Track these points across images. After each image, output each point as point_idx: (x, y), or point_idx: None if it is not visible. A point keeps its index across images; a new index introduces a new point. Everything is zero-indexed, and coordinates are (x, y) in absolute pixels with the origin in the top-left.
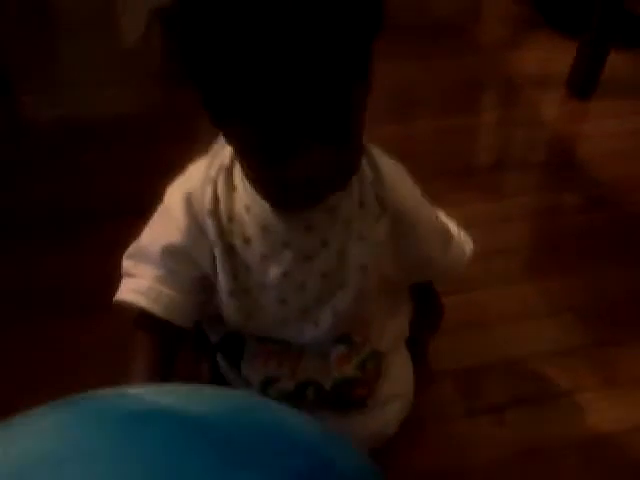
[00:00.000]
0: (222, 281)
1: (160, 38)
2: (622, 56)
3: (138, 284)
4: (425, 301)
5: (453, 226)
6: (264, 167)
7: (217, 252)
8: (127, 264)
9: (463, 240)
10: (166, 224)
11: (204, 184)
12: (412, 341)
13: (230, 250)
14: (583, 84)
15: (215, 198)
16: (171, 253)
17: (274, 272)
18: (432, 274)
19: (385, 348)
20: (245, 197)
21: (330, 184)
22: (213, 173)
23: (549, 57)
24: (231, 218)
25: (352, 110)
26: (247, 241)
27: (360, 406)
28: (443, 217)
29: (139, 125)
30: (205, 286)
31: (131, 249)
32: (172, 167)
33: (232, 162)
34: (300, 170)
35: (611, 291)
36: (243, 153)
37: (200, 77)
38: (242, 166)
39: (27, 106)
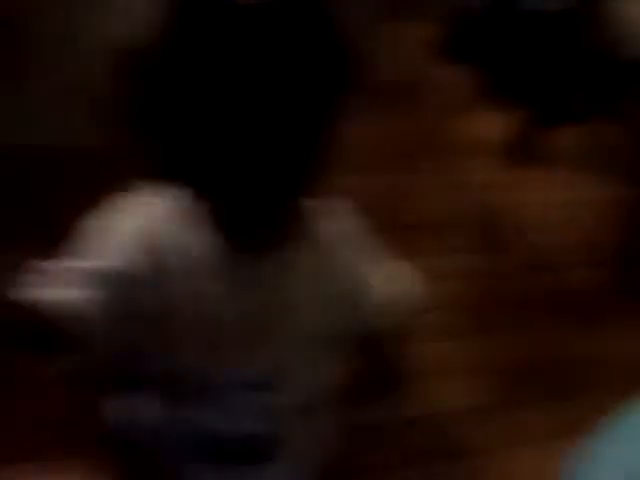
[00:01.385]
0: (178, 323)
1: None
2: (560, 130)
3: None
4: (379, 362)
5: (395, 265)
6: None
7: (154, 287)
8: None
9: (405, 280)
10: (109, 256)
11: (155, 219)
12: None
13: (165, 284)
14: (522, 154)
15: (149, 233)
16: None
17: (213, 297)
18: (374, 323)
19: (307, 401)
20: (181, 232)
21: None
22: (164, 209)
23: (492, 126)
24: (168, 253)
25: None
26: (183, 276)
27: (269, 461)
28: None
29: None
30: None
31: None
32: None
33: (172, 198)
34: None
35: (526, 354)
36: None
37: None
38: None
39: None
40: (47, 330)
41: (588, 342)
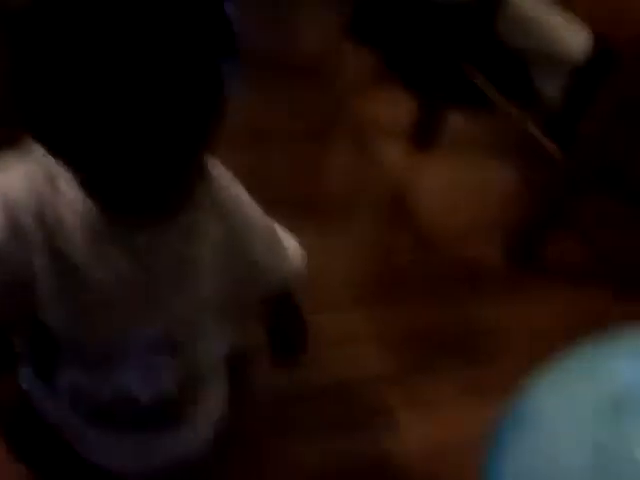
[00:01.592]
0: (46, 285)
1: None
2: (459, 114)
3: None
4: (281, 318)
5: (286, 235)
6: (118, 188)
7: (40, 256)
8: None
9: (296, 250)
10: None
11: (24, 185)
12: (234, 361)
13: (56, 253)
14: (422, 137)
15: (39, 200)
16: None
17: (102, 273)
18: (265, 282)
19: (207, 366)
20: (70, 198)
21: (184, 195)
22: (38, 176)
23: (397, 108)
24: (56, 220)
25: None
26: (74, 243)
27: (173, 425)
28: (278, 229)
29: None
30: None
31: None
32: None
33: (56, 163)
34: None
35: (424, 324)
36: (90, 175)
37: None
38: (81, 182)
39: None
40: None
41: (487, 312)
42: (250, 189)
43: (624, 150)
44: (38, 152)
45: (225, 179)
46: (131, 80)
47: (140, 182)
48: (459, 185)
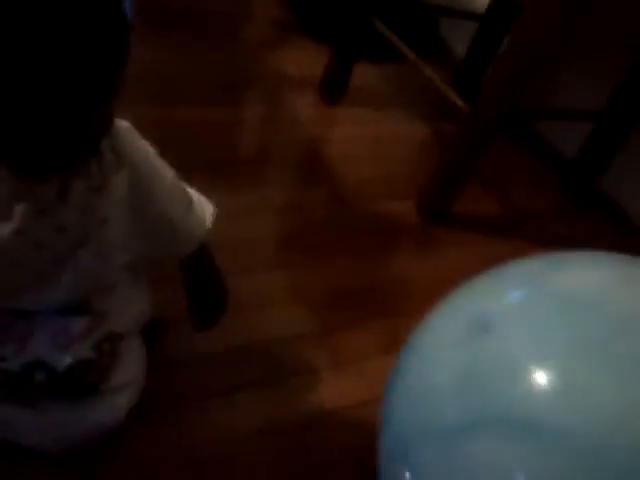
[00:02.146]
0: None
1: None
2: (367, 67)
3: None
4: (197, 277)
5: (193, 192)
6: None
7: None
8: None
9: (204, 205)
10: None
11: None
12: (150, 325)
13: None
14: (332, 91)
15: None
16: None
17: (5, 231)
18: (174, 238)
19: (123, 330)
20: None
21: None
22: None
23: (307, 62)
24: None
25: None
26: None
27: (91, 393)
28: (183, 184)
29: None
30: None
31: None
32: None
33: None
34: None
35: (342, 281)
36: None
37: None
38: None
39: None
40: None
41: (403, 266)
42: (157, 144)
43: (529, 99)
44: None
45: (130, 132)
46: (34, 23)
47: (46, 128)
48: (370, 138)
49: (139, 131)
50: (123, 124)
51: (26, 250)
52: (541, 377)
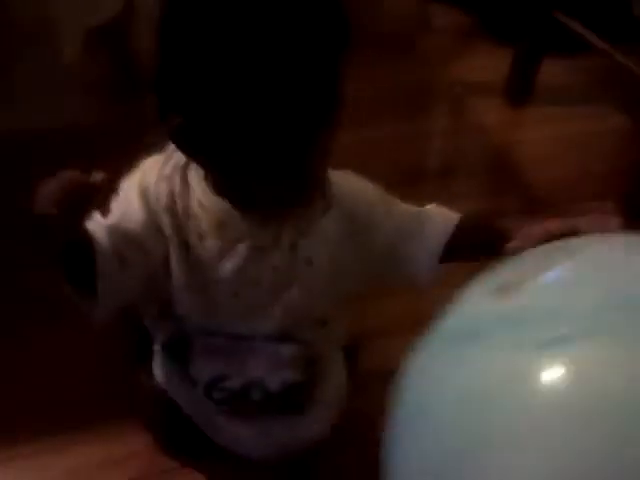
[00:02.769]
0: (177, 277)
1: (99, 55)
2: (555, 64)
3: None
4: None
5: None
6: (257, 186)
7: (172, 248)
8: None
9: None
10: (124, 217)
11: (159, 181)
12: (348, 348)
13: (185, 246)
14: (518, 92)
15: (171, 195)
16: (127, 241)
17: (228, 267)
18: (409, 254)
19: (327, 352)
20: (200, 194)
21: (315, 189)
22: (168, 171)
23: (490, 65)
24: (186, 215)
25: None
26: (201, 237)
27: (298, 410)
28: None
29: (85, 138)
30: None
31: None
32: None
33: (187, 161)
34: (297, 182)
35: None
36: (229, 176)
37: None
38: (212, 181)
39: None
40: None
41: None
42: (351, 167)
43: None
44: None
45: (339, 174)
46: (267, 72)
47: (272, 166)
48: (563, 138)
49: (335, 154)
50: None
51: (245, 285)
52: None
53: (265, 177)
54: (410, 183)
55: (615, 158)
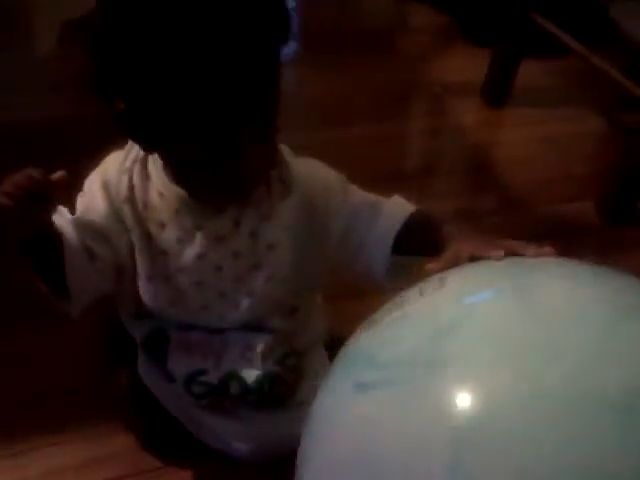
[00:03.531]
0: (140, 267)
1: (75, 48)
2: (533, 66)
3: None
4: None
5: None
6: (200, 174)
7: (135, 239)
8: None
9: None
10: (87, 210)
11: (120, 173)
12: (331, 341)
13: (147, 236)
14: (496, 93)
15: (130, 186)
16: (92, 233)
17: (189, 255)
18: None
19: (304, 347)
20: (159, 184)
21: (256, 180)
22: (129, 164)
23: (468, 66)
24: (146, 205)
25: (273, 109)
26: (162, 227)
27: (278, 405)
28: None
29: (59, 132)
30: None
31: None
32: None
33: (146, 154)
34: (235, 171)
35: None
36: (177, 165)
37: (137, 103)
38: (169, 171)
39: None
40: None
41: None
42: (331, 164)
43: None
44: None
45: (301, 161)
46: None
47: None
48: (540, 139)
49: (313, 153)
50: (288, 154)
51: (208, 272)
52: None
53: (201, 165)
54: (389, 182)
55: (592, 160)
